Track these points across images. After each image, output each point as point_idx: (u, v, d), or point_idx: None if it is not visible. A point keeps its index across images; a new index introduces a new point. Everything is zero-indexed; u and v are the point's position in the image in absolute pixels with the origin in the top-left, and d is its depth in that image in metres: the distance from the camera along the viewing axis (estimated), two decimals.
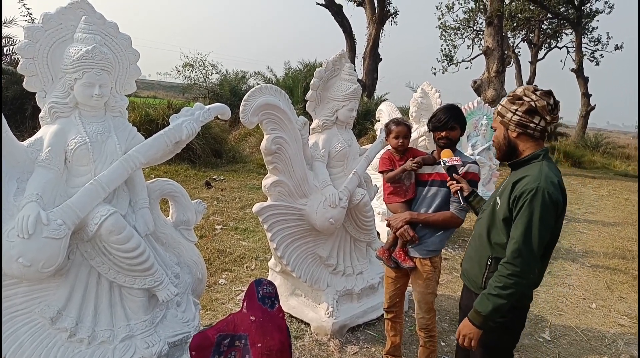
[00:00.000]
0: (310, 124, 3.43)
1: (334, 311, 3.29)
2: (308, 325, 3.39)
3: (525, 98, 1.85)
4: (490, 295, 1.82)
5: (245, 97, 2.78)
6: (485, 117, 7.77)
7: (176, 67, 16.79)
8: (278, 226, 3.09)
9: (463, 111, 8.32)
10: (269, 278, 3.65)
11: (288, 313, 3.52)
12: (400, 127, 2.76)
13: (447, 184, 2.44)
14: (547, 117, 1.84)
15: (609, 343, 3.67)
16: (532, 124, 1.85)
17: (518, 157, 1.94)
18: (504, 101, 1.95)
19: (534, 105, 1.83)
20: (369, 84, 17.81)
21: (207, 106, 2.53)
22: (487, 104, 8.32)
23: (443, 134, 2.53)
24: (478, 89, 14.43)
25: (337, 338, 3.25)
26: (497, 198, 1.97)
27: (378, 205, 5.88)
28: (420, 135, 5.60)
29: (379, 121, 6.34)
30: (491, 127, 2.35)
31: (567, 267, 5.42)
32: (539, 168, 1.83)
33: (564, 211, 1.86)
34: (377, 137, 3.70)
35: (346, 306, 3.42)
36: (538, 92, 1.85)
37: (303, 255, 3.25)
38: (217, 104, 2.61)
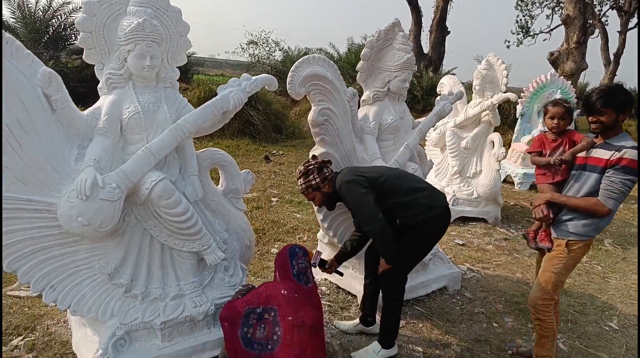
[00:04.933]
0: (360, 96, 3.36)
1: None
2: (355, 296, 3.41)
3: (310, 167, 2.65)
4: (378, 248, 2.69)
5: (292, 68, 2.77)
6: (559, 91, 7.21)
7: (240, 45, 17.14)
8: None
9: (533, 84, 7.77)
10: (318, 249, 3.69)
11: (335, 284, 3.56)
12: (557, 108, 2.66)
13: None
14: (327, 165, 2.71)
15: None
16: (327, 174, 2.67)
17: (334, 196, 2.69)
18: (301, 181, 2.68)
19: (317, 166, 2.67)
20: (435, 59, 17.11)
21: (253, 77, 2.55)
22: (563, 78, 7.70)
23: (590, 118, 2.40)
24: (555, 61, 13.33)
25: None
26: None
27: (436, 182, 5.71)
28: (482, 109, 5.31)
29: (440, 95, 6.10)
30: (309, 200, 2.83)
31: None
32: (338, 180, 2.64)
33: (376, 174, 2.60)
34: (433, 109, 3.55)
35: None
36: (309, 160, 2.72)
37: (350, 227, 3.22)
38: (264, 75, 2.63)
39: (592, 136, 2.54)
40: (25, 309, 3.05)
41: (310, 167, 2.65)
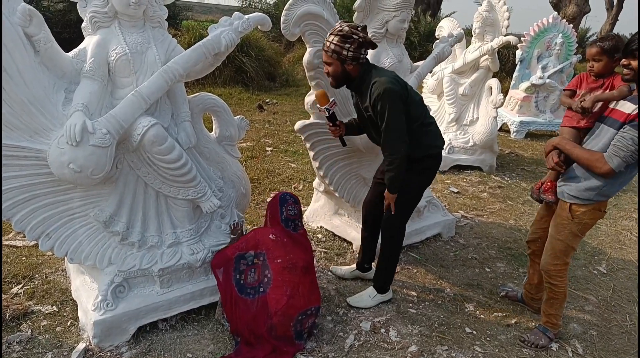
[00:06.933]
0: None
1: None
2: (350, 243, 3.44)
3: (354, 36, 2.29)
4: (387, 172, 2.48)
5: (286, 6, 2.63)
6: (560, 35, 7.00)
7: None
8: (321, 145, 3.04)
9: (535, 28, 7.48)
10: (313, 199, 3.69)
11: (331, 232, 3.59)
12: (590, 48, 2.41)
13: (329, 130, 2.70)
14: (370, 47, 2.41)
15: None
16: (362, 55, 2.37)
17: (352, 80, 2.44)
18: (335, 39, 2.30)
19: (361, 41, 2.31)
20: (433, 2, 16.47)
21: (246, 16, 2.42)
22: (565, 21, 7.45)
23: (623, 61, 2.09)
24: (557, 5, 12.95)
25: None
26: (365, 114, 2.51)
27: None
28: (482, 54, 5.15)
29: (438, 38, 5.89)
30: (324, 62, 2.45)
31: (636, 200, 5.03)
32: (377, 76, 2.36)
33: (409, 93, 2.45)
34: (432, 52, 3.43)
35: None
36: (360, 29, 2.33)
37: (347, 175, 3.21)
38: (257, 13, 2.49)
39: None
40: (23, 258, 3.06)
41: (355, 37, 2.29)
